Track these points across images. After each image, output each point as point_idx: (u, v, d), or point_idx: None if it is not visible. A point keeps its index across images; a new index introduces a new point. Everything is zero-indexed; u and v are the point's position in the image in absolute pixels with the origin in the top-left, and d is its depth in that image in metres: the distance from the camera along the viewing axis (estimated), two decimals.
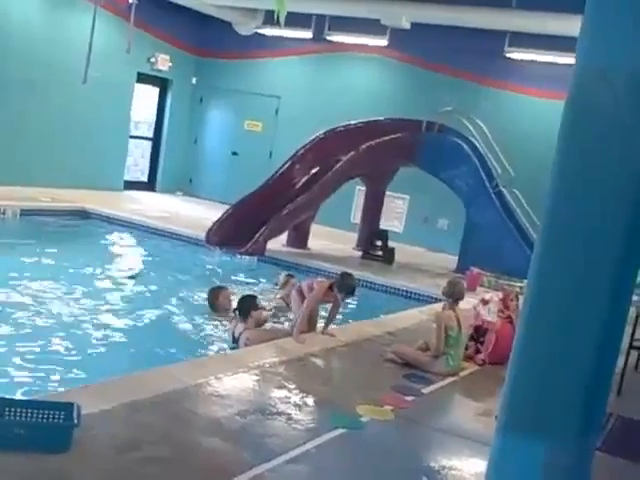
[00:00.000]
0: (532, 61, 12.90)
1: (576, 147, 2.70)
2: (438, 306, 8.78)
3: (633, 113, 2.55)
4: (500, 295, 6.72)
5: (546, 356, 2.80)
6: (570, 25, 9.91)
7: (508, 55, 13.03)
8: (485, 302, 6.67)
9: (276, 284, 8.93)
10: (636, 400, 6.01)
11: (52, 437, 3.49)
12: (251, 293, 6.95)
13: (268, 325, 6.91)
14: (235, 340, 6.32)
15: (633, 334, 6.40)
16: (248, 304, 6.49)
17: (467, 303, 9.01)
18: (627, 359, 6.23)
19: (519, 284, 9.61)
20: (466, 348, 6.29)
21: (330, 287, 6.38)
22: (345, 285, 6.35)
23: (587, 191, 2.68)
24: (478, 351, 6.40)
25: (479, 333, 6.46)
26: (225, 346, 6.50)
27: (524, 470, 2.84)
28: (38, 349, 5.80)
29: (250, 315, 6.41)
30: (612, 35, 2.57)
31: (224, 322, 7.16)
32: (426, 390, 5.42)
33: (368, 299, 8.84)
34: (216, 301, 7.56)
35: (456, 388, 5.74)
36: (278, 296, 8.42)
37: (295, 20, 12.80)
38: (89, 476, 3.37)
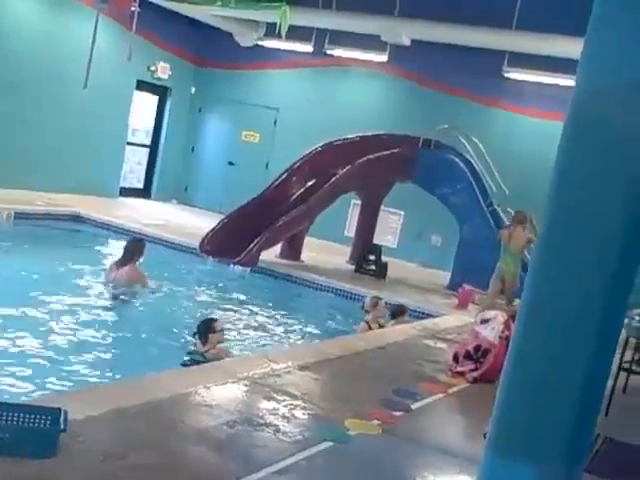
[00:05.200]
0: (530, 81, 12.99)
1: (575, 168, 2.71)
2: (429, 322, 8.83)
3: (638, 130, 2.56)
4: (504, 316, 6.65)
5: (537, 378, 2.80)
6: (568, 47, 10.01)
7: (506, 75, 13.11)
8: (485, 321, 6.63)
9: (362, 308, 8.49)
10: (623, 422, 6.01)
11: (38, 442, 3.47)
12: (211, 316, 6.90)
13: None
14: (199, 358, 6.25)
15: (622, 356, 6.42)
16: (207, 328, 6.37)
17: (461, 320, 9.10)
18: (616, 381, 6.24)
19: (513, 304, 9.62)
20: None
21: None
22: None
23: (584, 213, 2.68)
24: (476, 369, 6.37)
25: (478, 353, 6.42)
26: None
27: None
28: (26, 353, 5.78)
29: (208, 338, 6.30)
30: (616, 51, 2.58)
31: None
32: (415, 406, 5.41)
33: (359, 313, 8.83)
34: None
35: (445, 405, 5.74)
36: (365, 320, 8.16)
37: (296, 33, 12.90)
38: None
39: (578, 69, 2.69)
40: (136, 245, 8.53)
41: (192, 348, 6.38)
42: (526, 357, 2.84)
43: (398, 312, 8.49)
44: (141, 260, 8.54)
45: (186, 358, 6.24)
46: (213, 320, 6.61)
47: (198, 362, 6.11)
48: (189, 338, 6.98)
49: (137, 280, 8.30)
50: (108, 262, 8.96)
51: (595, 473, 4.49)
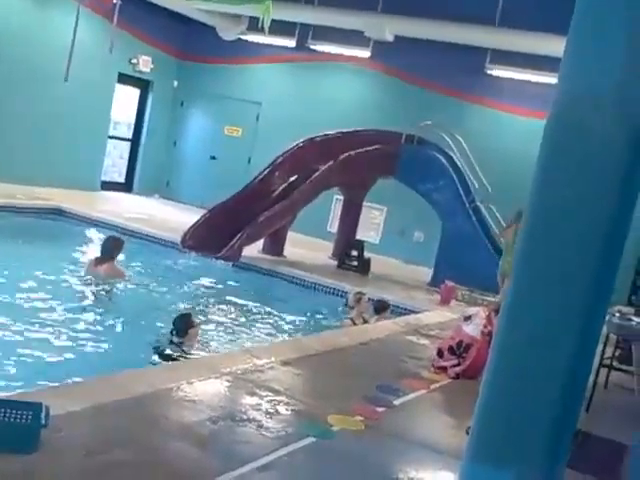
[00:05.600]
0: (512, 79, 13.03)
1: (556, 167, 2.72)
2: (412, 318, 8.85)
3: (618, 134, 2.58)
4: (486, 311, 6.70)
5: (519, 375, 2.81)
6: (550, 45, 10.08)
7: (489, 72, 13.15)
8: (467, 318, 6.66)
9: (346, 304, 8.57)
10: (604, 417, 6.07)
11: (19, 437, 3.44)
12: (185, 311, 6.89)
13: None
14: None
15: (603, 353, 6.47)
16: (185, 323, 6.43)
17: (443, 317, 9.13)
18: (597, 377, 6.29)
19: (493, 299, 9.68)
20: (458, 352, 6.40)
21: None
22: None
23: (566, 211, 2.70)
24: (459, 365, 6.40)
25: (460, 348, 6.45)
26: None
27: None
28: (6, 347, 5.72)
29: (188, 333, 6.37)
30: (598, 54, 2.60)
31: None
32: (398, 402, 5.43)
33: (342, 309, 8.85)
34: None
35: (427, 401, 5.75)
36: (349, 316, 8.22)
37: (279, 28, 12.84)
38: (56, 478, 3.32)
39: (560, 71, 2.71)
40: (114, 243, 8.47)
41: (168, 341, 6.38)
42: (508, 354, 2.86)
43: (381, 308, 8.53)
44: (120, 257, 8.53)
45: (162, 348, 6.25)
46: (190, 315, 6.61)
47: (172, 354, 6.13)
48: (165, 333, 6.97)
49: (116, 277, 8.27)
50: (87, 258, 8.88)
51: (576, 469, 4.53)
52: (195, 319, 6.56)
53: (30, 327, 6.32)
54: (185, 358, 6.12)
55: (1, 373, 5.21)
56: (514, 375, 2.82)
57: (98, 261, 8.29)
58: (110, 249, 8.33)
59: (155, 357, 6.12)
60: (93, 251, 10.09)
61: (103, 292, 7.97)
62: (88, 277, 8.22)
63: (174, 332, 6.38)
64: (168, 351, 6.21)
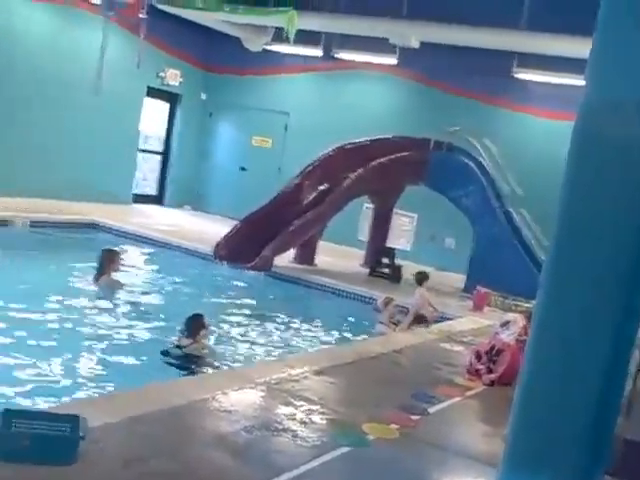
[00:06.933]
0: (539, 82, 12.95)
1: (584, 173, 2.71)
2: (445, 324, 8.80)
3: None
4: (524, 321, 6.62)
5: (554, 380, 2.78)
6: (577, 47, 9.95)
7: (516, 75, 13.07)
8: (505, 324, 6.61)
9: (375, 309, 8.86)
10: None
11: (58, 449, 3.49)
12: (198, 312, 6.95)
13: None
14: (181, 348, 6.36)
15: None
16: (198, 324, 6.51)
17: (476, 323, 9.07)
18: (635, 382, 6.19)
19: (526, 304, 9.58)
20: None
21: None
22: None
23: (595, 217, 2.68)
24: (490, 371, 6.35)
25: (493, 352, 6.41)
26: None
27: None
28: (44, 361, 5.79)
29: (199, 334, 6.46)
30: (623, 59, 2.59)
31: None
32: (432, 409, 5.40)
33: (375, 317, 8.83)
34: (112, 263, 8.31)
35: (462, 408, 5.72)
36: (380, 320, 8.46)
37: (304, 37, 12.94)
38: None
39: (585, 78, 2.70)
40: (107, 255, 8.45)
41: (175, 342, 6.45)
42: (542, 359, 2.83)
43: (422, 278, 9.16)
44: (118, 271, 8.56)
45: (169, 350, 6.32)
46: (202, 316, 6.67)
47: (178, 357, 6.20)
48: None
49: (115, 288, 8.31)
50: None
51: (615, 475, 4.46)
52: (206, 321, 6.61)
53: (67, 339, 6.41)
54: (193, 361, 6.19)
55: (40, 386, 5.29)
56: (548, 380, 2.80)
57: (96, 276, 8.30)
58: (102, 263, 8.31)
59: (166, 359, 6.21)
60: (127, 263, 10.20)
61: (128, 304, 7.98)
62: (98, 290, 8.21)
63: (185, 332, 6.43)
64: (175, 353, 6.27)
